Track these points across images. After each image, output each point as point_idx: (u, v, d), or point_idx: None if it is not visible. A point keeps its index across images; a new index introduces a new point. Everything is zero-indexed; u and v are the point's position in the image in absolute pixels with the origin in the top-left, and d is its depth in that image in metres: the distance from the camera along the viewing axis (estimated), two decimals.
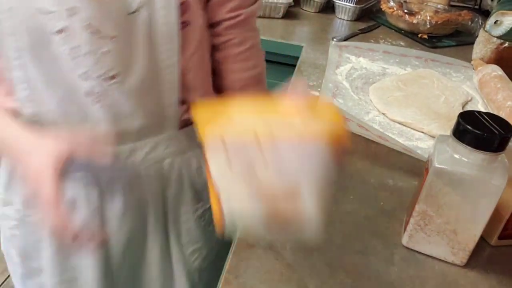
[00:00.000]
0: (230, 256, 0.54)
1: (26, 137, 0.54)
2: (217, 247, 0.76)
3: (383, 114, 0.86)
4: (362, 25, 1.35)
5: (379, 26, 1.37)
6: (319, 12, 1.44)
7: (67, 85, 0.54)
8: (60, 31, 0.50)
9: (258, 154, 0.33)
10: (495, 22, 1.04)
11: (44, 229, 0.64)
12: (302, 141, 0.33)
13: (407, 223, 0.58)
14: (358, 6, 1.37)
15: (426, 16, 1.26)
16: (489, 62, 1.05)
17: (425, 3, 1.41)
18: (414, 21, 1.27)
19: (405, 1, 1.37)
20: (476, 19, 1.33)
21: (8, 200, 0.66)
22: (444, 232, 0.54)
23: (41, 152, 0.51)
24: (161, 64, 0.57)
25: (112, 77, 0.54)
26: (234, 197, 0.35)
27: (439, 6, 1.39)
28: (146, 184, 0.64)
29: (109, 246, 0.65)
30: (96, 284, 0.67)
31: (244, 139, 0.33)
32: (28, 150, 0.53)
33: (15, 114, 0.56)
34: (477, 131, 0.48)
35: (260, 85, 0.69)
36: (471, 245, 0.54)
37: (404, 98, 0.91)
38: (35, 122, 0.56)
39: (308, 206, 0.33)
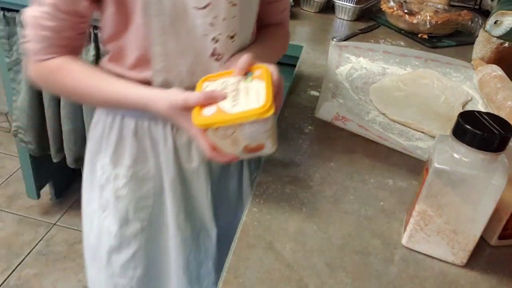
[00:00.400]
0: (230, 256, 0.54)
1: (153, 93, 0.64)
2: None
3: (383, 114, 0.86)
4: (362, 25, 1.35)
5: (379, 26, 1.37)
6: (319, 12, 1.44)
7: (197, 49, 0.66)
8: (205, 7, 0.63)
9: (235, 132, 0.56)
10: (495, 22, 1.04)
11: (151, 181, 0.76)
12: (257, 119, 0.55)
13: (407, 223, 0.58)
14: (358, 6, 1.37)
15: (426, 16, 1.26)
16: (489, 62, 1.05)
17: (425, 3, 1.41)
18: (414, 21, 1.27)
19: (405, 1, 1.37)
20: (476, 19, 1.33)
21: (118, 160, 0.75)
22: (444, 232, 0.54)
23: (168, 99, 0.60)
24: (252, 22, 0.73)
25: (232, 37, 0.68)
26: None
27: (439, 6, 1.39)
28: None
29: (212, 169, 0.79)
30: (207, 202, 0.80)
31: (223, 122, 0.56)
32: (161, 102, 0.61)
33: (143, 83, 0.66)
34: (477, 131, 0.48)
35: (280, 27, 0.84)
36: (471, 245, 0.54)
37: (404, 98, 0.91)
38: (164, 87, 0.67)
39: (267, 147, 0.59)
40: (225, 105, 0.56)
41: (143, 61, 0.66)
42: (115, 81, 0.66)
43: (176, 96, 0.60)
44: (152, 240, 0.81)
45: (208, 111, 0.56)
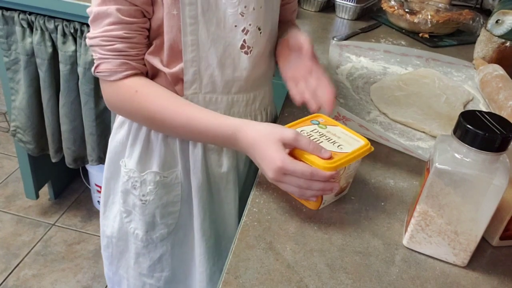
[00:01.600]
0: (229, 256, 0.53)
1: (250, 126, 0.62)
2: None
3: (384, 114, 0.86)
4: (362, 24, 1.34)
5: (380, 25, 1.36)
6: (319, 11, 1.44)
7: (227, 40, 0.67)
8: None
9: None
10: (496, 22, 1.03)
11: (178, 187, 0.76)
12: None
13: (408, 223, 0.57)
14: (359, 5, 1.36)
15: (427, 15, 1.26)
16: (490, 61, 1.05)
17: (426, 2, 1.40)
18: (415, 20, 1.26)
19: (406, 0, 1.37)
20: (478, 18, 1.32)
21: (145, 165, 0.74)
22: (445, 232, 0.54)
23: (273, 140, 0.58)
24: (275, 16, 0.74)
25: (260, 29, 0.69)
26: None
27: (440, 5, 1.38)
28: None
29: (239, 174, 0.79)
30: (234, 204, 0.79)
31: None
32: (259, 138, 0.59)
33: (175, 79, 0.68)
34: (479, 131, 0.47)
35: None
36: (473, 245, 0.54)
37: (405, 98, 0.90)
38: (195, 81, 0.68)
39: (347, 188, 0.65)
40: (331, 148, 0.58)
41: (175, 53, 0.66)
42: (198, 109, 0.65)
43: (283, 128, 0.59)
44: (179, 244, 0.80)
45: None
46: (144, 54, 0.67)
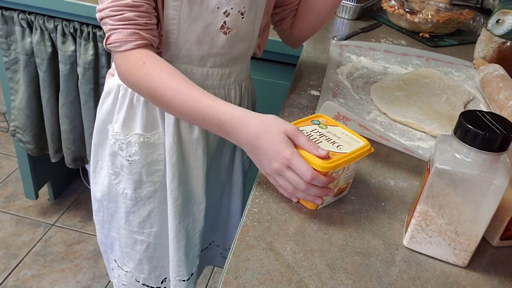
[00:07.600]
0: (229, 256, 0.53)
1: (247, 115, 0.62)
2: None
3: (384, 113, 0.86)
4: (363, 24, 1.34)
5: (380, 25, 1.36)
6: None
7: (208, 20, 0.71)
8: None
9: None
10: (497, 21, 1.03)
11: (161, 147, 0.80)
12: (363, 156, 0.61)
13: (408, 223, 0.57)
14: (359, 5, 1.36)
15: (428, 15, 1.26)
16: (491, 61, 1.05)
17: (426, 2, 1.40)
18: (416, 20, 1.26)
19: (406, 0, 1.36)
20: (478, 18, 1.32)
21: (130, 128, 0.79)
22: (446, 233, 0.54)
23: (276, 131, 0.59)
24: (262, 4, 0.76)
25: (242, 14, 0.72)
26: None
27: (440, 5, 1.38)
28: (233, 100, 0.83)
29: (209, 143, 0.84)
30: (202, 175, 0.84)
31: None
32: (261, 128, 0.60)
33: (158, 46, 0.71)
34: (479, 131, 0.47)
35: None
36: (473, 246, 0.54)
37: (405, 98, 0.90)
38: (171, 50, 0.73)
39: (347, 189, 0.65)
40: (330, 149, 0.58)
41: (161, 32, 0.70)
42: (200, 90, 0.65)
43: (284, 121, 0.60)
44: (165, 201, 0.85)
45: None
46: (154, 24, 0.68)
